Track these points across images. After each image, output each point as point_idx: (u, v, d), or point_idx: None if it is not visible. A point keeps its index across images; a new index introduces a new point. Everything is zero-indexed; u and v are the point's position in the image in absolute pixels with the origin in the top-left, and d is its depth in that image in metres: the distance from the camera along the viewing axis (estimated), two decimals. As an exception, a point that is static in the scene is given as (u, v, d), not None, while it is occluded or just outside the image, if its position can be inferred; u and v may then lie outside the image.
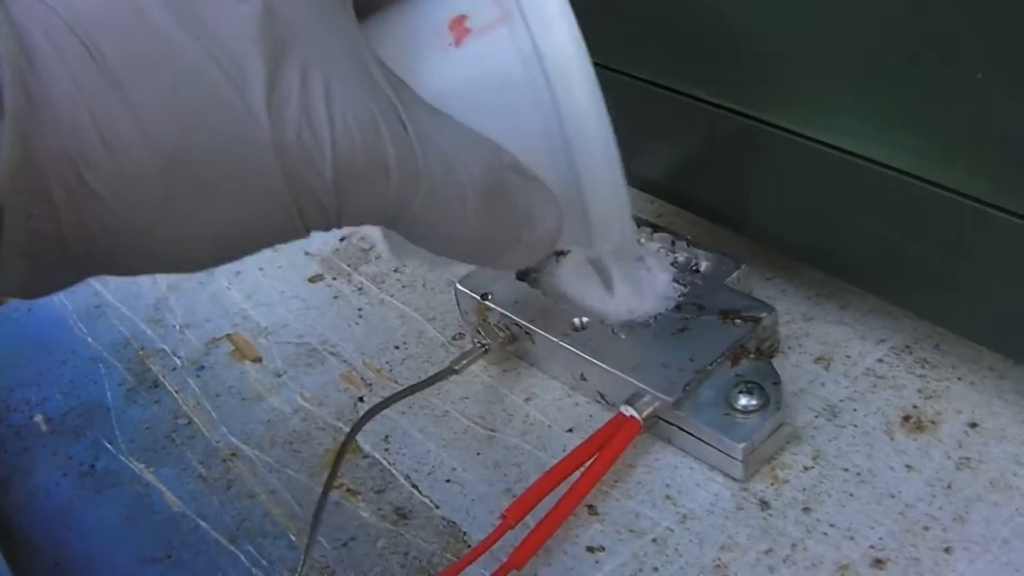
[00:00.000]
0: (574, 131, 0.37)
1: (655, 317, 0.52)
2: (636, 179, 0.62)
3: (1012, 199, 0.40)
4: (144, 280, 0.70)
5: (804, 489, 0.47)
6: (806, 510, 0.46)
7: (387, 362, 0.59)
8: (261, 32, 0.32)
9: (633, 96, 0.55)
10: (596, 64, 0.37)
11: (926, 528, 0.44)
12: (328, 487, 0.48)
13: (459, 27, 0.37)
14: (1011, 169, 0.40)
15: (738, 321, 0.51)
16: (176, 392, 0.60)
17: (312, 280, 0.67)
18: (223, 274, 0.69)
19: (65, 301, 0.70)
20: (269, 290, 0.67)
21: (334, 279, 0.66)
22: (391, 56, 0.36)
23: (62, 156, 0.30)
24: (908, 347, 0.52)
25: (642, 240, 0.57)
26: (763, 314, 0.51)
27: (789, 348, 0.54)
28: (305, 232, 0.35)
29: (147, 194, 0.31)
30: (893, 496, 0.45)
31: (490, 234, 0.38)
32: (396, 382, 0.57)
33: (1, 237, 0.30)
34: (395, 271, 0.66)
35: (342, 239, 0.70)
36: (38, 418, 0.61)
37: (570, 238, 0.41)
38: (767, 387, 0.47)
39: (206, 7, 0.32)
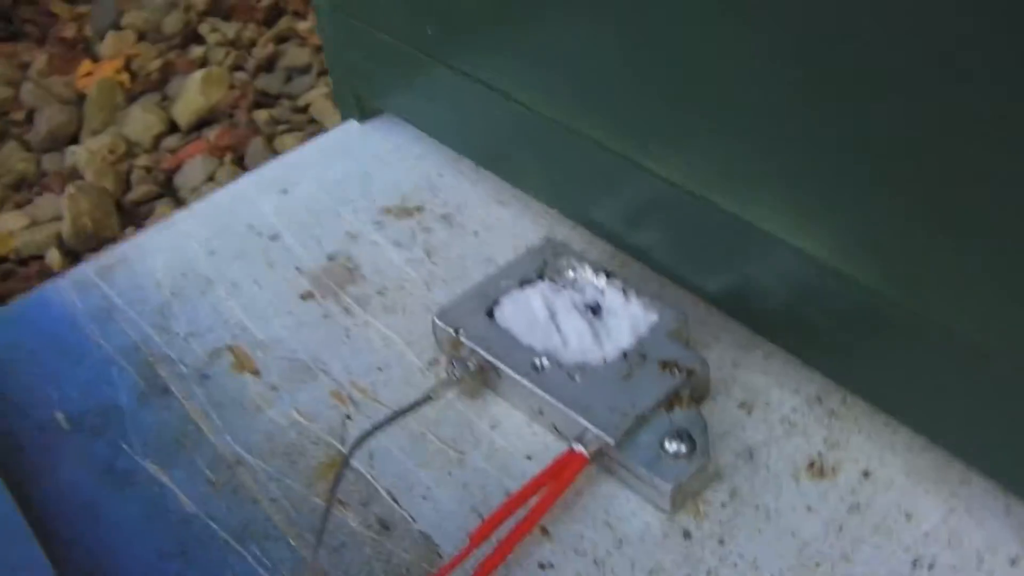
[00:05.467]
0: None
1: (605, 361, 0.61)
2: (600, 228, 0.71)
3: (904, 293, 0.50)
4: (148, 284, 0.78)
5: (721, 523, 0.56)
6: (721, 542, 0.55)
7: (371, 382, 0.67)
8: None
9: (586, 154, 0.63)
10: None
11: (817, 564, 0.53)
12: (330, 502, 0.56)
13: None
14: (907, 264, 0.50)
15: (675, 370, 0.60)
16: (184, 399, 0.68)
17: (304, 297, 0.74)
18: (221, 284, 0.77)
19: (76, 300, 0.77)
20: (265, 304, 0.74)
21: (323, 298, 0.74)
22: None
23: None
24: (819, 398, 0.61)
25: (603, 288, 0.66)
26: (696, 365, 0.60)
27: (719, 392, 0.62)
28: None
29: None
30: (794, 534, 0.55)
31: None
32: (379, 402, 0.66)
33: None
34: (378, 293, 0.74)
35: (330, 258, 0.77)
36: (59, 416, 0.68)
37: None
38: (696, 435, 0.56)
39: None
